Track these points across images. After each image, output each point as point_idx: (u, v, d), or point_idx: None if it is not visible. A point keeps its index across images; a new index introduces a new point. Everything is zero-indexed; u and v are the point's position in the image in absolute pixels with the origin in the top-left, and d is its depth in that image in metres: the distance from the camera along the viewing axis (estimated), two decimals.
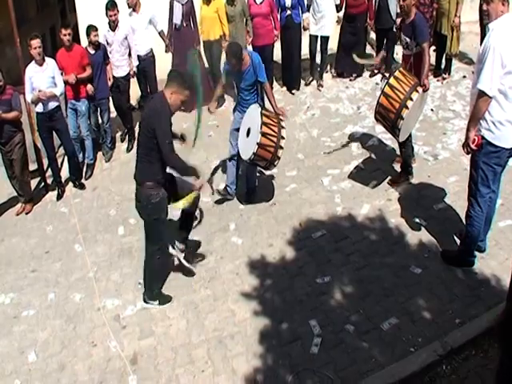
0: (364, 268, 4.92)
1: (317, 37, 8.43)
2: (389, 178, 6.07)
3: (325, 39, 8.47)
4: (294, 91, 8.72)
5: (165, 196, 4.73)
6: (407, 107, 5.18)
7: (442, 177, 5.96)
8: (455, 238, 5.03)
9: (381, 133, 6.87)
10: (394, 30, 8.11)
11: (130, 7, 8.01)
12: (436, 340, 4.08)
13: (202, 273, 5.27)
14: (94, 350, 4.68)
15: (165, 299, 5.05)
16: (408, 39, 5.58)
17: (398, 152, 6.11)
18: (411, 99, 5.20)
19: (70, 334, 4.91)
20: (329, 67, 9.15)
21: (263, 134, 5.43)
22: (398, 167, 6.15)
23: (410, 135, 5.78)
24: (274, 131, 5.50)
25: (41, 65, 6.85)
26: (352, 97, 8.30)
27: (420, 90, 5.30)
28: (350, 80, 8.77)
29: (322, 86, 8.70)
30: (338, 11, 8.46)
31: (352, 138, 7.11)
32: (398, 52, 6.85)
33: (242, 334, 4.48)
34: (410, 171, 5.94)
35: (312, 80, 8.85)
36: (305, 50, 8.65)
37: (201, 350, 4.43)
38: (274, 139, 5.49)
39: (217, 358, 4.32)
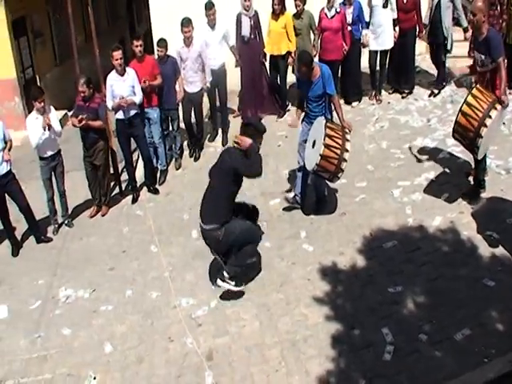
0: (436, 279, 4.95)
1: (376, 52, 8.47)
2: (462, 191, 6.04)
3: (385, 53, 8.51)
4: (354, 104, 8.76)
5: (228, 228, 5.04)
6: (486, 125, 5.17)
7: None
8: None
9: (452, 146, 6.85)
10: (449, 45, 8.10)
11: (209, 26, 8.20)
12: (510, 351, 4.07)
13: (274, 277, 5.41)
14: (171, 345, 4.89)
15: (241, 283, 5.25)
16: (483, 56, 5.50)
17: (473, 165, 6.07)
18: (490, 117, 5.18)
19: (148, 329, 5.14)
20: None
21: (326, 146, 5.48)
22: (471, 180, 6.12)
23: None
24: (338, 143, 5.53)
25: (122, 75, 7.19)
26: (421, 109, 8.29)
27: (498, 106, 5.27)
28: (403, 97, 8.73)
29: (381, 101, 8.72)
30: (394, 25, 8.37)
31: (422, 150, 7.12)
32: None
33: (315, 338, 4.59)
34: (482, 185, 5.90)
35: (375, 94, 8.85)
36: (364, 64, 8.71)
37: (274, 350, 4.57)
38: (338, 152, 5.52)
39: (290, 360, 4.44)
